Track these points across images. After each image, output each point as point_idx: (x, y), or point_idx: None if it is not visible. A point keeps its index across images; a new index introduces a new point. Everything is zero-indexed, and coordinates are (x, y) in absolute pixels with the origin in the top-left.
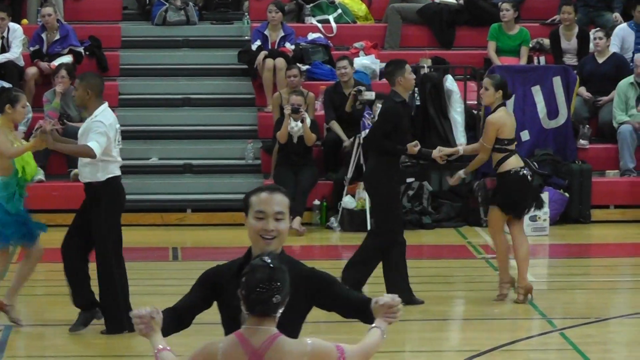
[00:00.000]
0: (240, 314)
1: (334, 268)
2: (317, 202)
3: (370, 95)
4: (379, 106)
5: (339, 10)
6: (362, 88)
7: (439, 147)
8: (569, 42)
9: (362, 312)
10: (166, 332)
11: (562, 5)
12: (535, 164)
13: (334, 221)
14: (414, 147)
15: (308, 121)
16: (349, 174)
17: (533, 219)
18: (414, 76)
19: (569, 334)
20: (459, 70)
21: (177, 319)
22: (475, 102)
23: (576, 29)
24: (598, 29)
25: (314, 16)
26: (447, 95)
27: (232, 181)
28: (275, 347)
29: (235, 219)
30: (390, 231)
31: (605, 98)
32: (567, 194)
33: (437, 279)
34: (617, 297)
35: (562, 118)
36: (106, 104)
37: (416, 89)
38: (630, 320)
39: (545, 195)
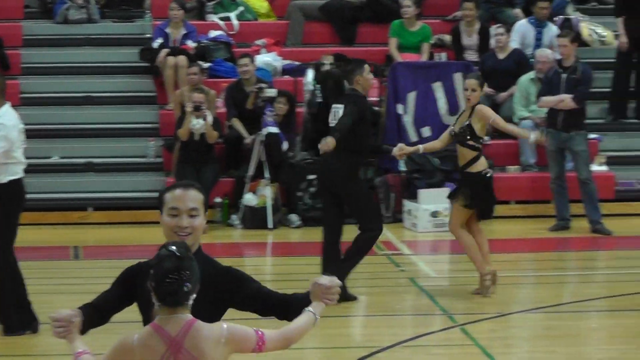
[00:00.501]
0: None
1: (237, 265)
2: (218, 199)
3: (271, 92)
4: (274, 103)
5: (241, 8)
6: (264, 85)
7: (399, 145)
8: (470, 38)
9: (283, 309)
10: (84, 329)
11: (463, 1)
12: (436, 160)
13: (235, 218)
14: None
15: (210, 119)
16: (250, 171)
17: (435, 214)
18: (372, 76)
19: (470, 330)
20: None
21: (94, 316)
22: (377, 99)
23: (477, 25)
24: (499, 25)
25: (215, 13)
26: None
27: (133, 179)
28: (193, 332)
29: (138, 217)
30: (378, 225)
31: (504, 94)
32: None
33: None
34: (519, 292)
35: None
36: (8, 105)
37: (318, 85)
38: (532, 315)
39: (446, 192)
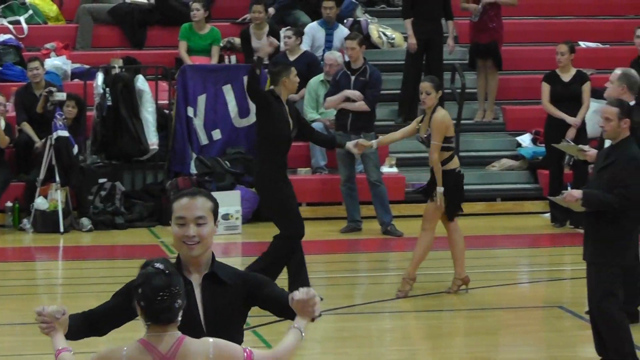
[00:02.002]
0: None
1: (28, 270)
2: (9, 203)
3: (61, 96)
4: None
5: (30, 11)
6: (53, 89)
7: (356, 141)
8: (259, 41)
9: (291, 310)
10: (76, 335)
11: (252, 4)
12: (227, 162)
13: (26, 222)
14: None
15: (2, 123)
16: (41, 175)
17: (225, 217)
18: (298, 80)
19: (261, 332)
20: (150, 70)
21: (88, 324)
22: (167, 102)
23: (266, 28)
24: (288, 27)
25: (4, 17)
26: (139, 96)
27: None
28: (183, 350)
29: None
30: (297, 232)
31: (295, 96)
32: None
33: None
34: None
35: (253, 117)
36: None
37: (107, 89)
38: (324, 317)
39: (237, 194)
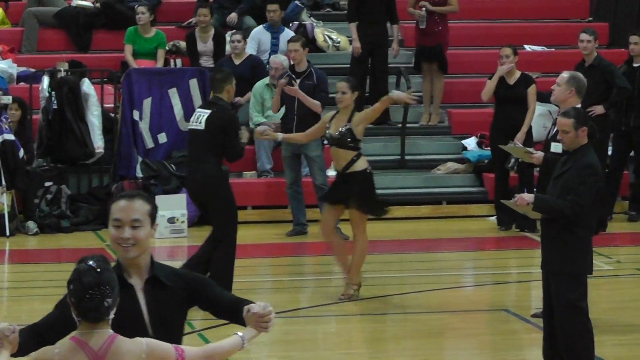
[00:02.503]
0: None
1: None
2: None
3: (6, 99)
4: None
5: None
6: None
7: (262, 127)
8: (205, 44)
9: (235, 314)
10: (26, 351)
11: (198, 7)
12: (173, 166)
13: None
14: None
15: None
16: None
17: (171, 220)
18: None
19: (208, 336)
20: (96, 73)
21: (36, 337)
22: (112, 105)
23: (212, 31)
24: (235, 31)
25: None
26: (84, 99)
27: None
28: (115, 348)
29: None
30: (234, 233)
31: (241, 99)
32: None
33: None
34: (256, 297)
35: None
36: None
37: (53, 92)
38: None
39: (182, 197)
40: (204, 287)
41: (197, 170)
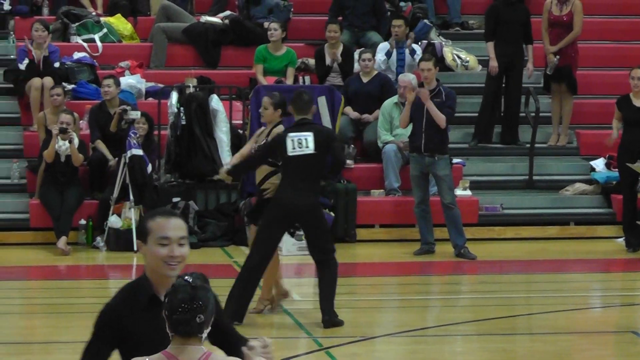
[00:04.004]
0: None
1: (101, 288)
2: (83, 221)
3: (135, 114)
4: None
5: (105, 30)
6: (128, 107)
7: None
8: (333, 61)
9: (231, 347)
10: None
11: (328, 23)
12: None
13: (100, 240)
14: None
15: (76, 141)
16: (115, 194)
17: (299, 238)
18: None
19: (335, 353)
20: (224, 90)
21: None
22: (241, 122)
23: (341, 48)
24: (364, 49)
25: (79, 35)
26: (213, 115)
27: None
28: None
29: (1, 238)
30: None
31: (369, 117)
32: (332, 213)
33: None
34: (383, 315)
35: None
36: None
37: (182, 108)
38: (395, 339)
39: None
40: (218, 311)
41: (307, 195)
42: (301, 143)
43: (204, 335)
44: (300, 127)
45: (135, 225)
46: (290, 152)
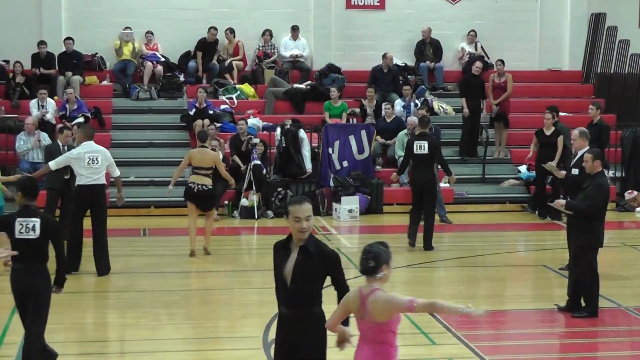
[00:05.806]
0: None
1: (235, 239)
2: (227, 202)
3: (256, 140)
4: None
5: (238, 92)
6: (252, 136)
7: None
8: (370, 110)
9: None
10: None
11: (368, 88)
12: (351, 179)
13: (236, 213)
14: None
15: (220, 156)
16: (245, 186)
17: (350, 211)
18: None
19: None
20: (307, 126)
21: None
22: (317, 145)
23: (374, 102)
24: (386, 102)
25: (223, 95)
26: (301, 141)
27: None
28: (374, 295)
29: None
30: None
31: (390, 142)
32: (369, 197)
33: None
34: (399, 256)
35: (366, 153)
36: (89, 143)
37: (282, 137)
38: (403, 269)
39: (356, 198)
40: (336, 266)
41: (425, 176)
42: (420, 147)
43: (378, 275)
44: (420, 137)
45: (257, 204)
46: (416, 151)
